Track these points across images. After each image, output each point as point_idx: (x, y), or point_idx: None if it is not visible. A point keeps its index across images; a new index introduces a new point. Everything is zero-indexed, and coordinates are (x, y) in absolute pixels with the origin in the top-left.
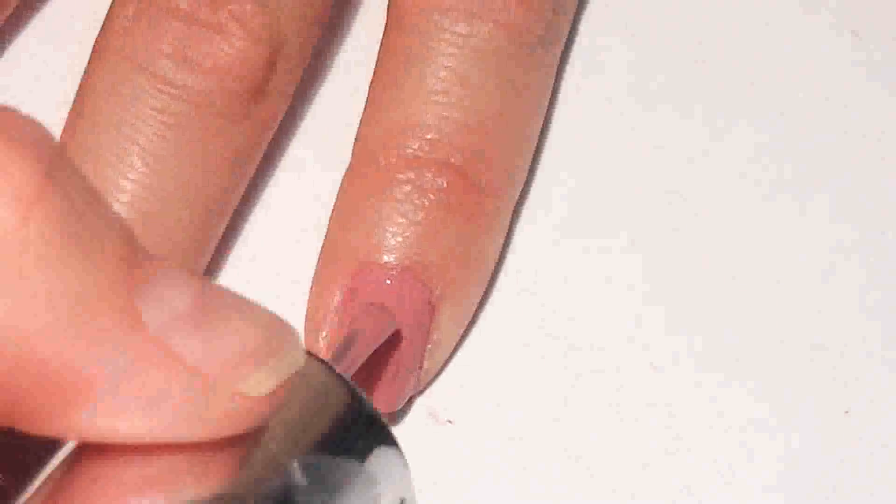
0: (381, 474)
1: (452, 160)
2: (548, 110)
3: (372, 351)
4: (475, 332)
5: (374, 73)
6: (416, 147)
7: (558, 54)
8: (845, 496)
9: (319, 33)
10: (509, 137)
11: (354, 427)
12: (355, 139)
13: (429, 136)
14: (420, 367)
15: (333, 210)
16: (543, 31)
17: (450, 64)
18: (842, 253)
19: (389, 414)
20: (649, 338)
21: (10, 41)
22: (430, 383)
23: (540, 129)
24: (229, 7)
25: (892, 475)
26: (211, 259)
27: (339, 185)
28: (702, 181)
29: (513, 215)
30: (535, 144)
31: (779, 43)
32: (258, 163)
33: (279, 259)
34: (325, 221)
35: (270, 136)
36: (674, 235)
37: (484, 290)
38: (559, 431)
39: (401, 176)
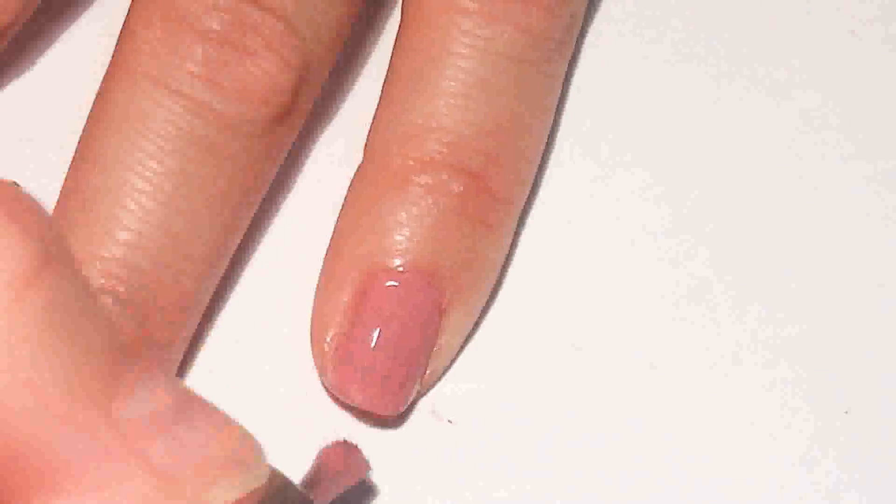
0: None
1: (469, 164)
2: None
3: (341, 490)
4: (476, 332)
5: (388, 72)
6: (433, 149)
7: (568, 61)
8: (845, 496)
9: (342, 49)
10: (524, 144)
11: None
12: (367, 138)
13: (447, 139)
14: (424, 371)
15: (342, 209)
16: (561, 36)
17: (469, 67)
18: (842, 253)
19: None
20: (649, 338)
21: (18, 61)
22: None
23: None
24: (261, 30)
25: (892, 475)
26: None
27: (348, 184)
28: (703, 182)
29: None
30: (543, 151)
31: (779, 43)
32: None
33: (282, 259)
34: (330, 220)
35: (289, 148)
36: (674, 236)
37: (489, 296)
38: (559, 431)
39: (416, 178)
